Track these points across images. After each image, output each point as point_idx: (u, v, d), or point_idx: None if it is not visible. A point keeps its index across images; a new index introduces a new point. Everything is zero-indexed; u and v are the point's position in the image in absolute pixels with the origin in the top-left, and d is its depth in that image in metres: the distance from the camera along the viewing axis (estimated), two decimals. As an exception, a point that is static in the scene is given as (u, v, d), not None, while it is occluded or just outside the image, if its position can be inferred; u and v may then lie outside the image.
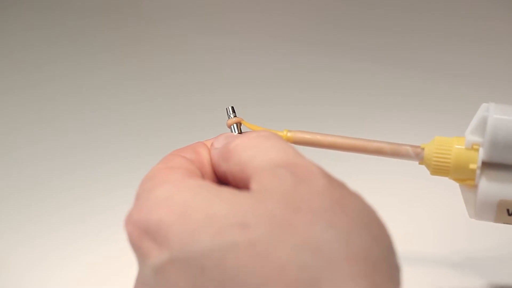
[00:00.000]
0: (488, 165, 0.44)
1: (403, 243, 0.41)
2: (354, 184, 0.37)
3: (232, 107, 0.45)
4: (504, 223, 0.45)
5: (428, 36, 0.92)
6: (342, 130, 0.79)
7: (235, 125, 0.44)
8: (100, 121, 0.82)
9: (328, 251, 0.31)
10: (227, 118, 0.44)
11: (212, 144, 0.41)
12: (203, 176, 0.39)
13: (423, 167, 0.46)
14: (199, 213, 0.33)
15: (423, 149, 0.46)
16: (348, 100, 0.83)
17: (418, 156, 0.46)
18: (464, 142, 0.45)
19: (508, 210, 0.44)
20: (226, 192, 0.34)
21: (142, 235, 0.34)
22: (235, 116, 0.44)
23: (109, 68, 0.91)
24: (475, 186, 0.45)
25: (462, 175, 0.45)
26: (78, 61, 0.93)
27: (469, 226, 0.57)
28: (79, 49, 0.95)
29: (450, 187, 0.49)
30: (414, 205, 0.67)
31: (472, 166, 0.44)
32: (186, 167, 0.38)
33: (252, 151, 0.37)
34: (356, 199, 0.34)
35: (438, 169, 0.45)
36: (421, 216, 0.65)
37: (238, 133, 0.44)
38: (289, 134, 0.46)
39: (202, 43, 0.95)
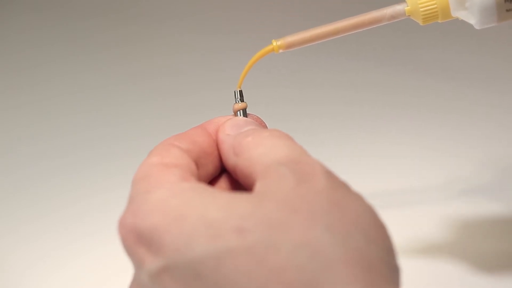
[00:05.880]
0: None
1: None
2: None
3: (240, 91, 0.44)
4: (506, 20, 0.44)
5: (429, 36, 0.92)
6: (343, 129, 0.80)
7: (241, 110, 0.43)
8: (100, 121, 0.82)
9: (325, 253, 0.31)
10: (234, 102, 0.43)
11: (223, 128, 0.40)
12: (199, 169, 0.38)
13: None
14: (194, 219, 0.32)
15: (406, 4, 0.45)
16: (349, 100, 0.83)
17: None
18: None
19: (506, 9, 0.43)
20: (222, 196, 0.34)
21: (136, 240, 0.34)
22: (242, 100, 0.44)
23: (108, 68, 0.91)
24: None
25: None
26: (77, 61, 0.93)
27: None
28: (79, 49, 0.95)
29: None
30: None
31: None
32: (181, 165, 0.37)
33: (263, 149, 0.36)
34: (356, 200, 0.34)
35: (428, 17, 0.45)
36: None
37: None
38: (279, 43, 0.45)
39: (202, 43, 0.94)
